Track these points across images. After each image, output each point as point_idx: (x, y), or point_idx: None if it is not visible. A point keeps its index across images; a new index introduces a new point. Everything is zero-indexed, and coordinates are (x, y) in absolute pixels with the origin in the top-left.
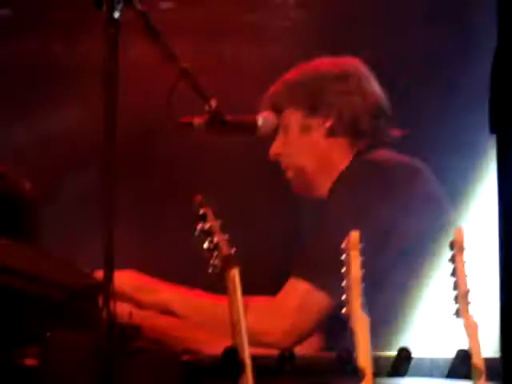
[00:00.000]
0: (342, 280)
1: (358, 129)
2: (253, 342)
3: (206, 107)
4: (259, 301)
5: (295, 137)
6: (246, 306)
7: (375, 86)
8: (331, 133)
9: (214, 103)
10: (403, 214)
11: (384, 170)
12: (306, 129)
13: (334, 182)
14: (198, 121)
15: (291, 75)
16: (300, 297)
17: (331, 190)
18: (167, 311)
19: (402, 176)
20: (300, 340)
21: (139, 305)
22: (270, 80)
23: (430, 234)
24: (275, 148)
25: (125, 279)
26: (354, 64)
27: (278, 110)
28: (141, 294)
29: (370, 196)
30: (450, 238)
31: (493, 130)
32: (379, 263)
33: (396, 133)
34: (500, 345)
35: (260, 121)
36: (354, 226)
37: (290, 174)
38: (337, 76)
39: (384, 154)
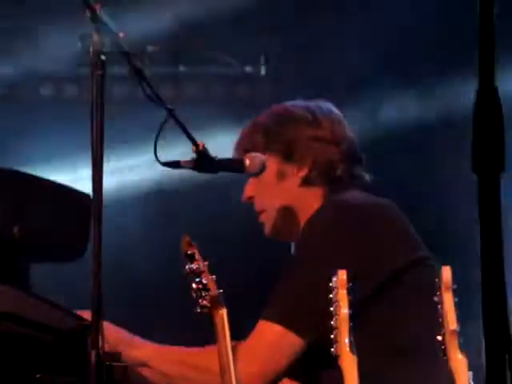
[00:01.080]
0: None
1: (333, 177)
2: None
3: (193, 148)
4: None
5: (270, 182)
6: (208, 350)
7: (348, 131)
8: (305, 181)
9: (200, 144)
10: (376, 251)
11: (355, 209)
12: (281, 175)
13: (304, 224)
14: (185, 161)
15: (264, 119)
16: (269, 340)
17: (301, 232)
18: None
19: (374, 214)
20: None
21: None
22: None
23: (403, 271)
24: (248, 191)
25: (110, 336)
26: (325, 108)
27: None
28: (120, 347)
29: (338, 235)
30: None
31: (474, 171)
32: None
33: (367, 177)
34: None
35: (247, 161)
36: (322, 266)
37: (262, 218)
38: (311, 122)
39: (354, 194)
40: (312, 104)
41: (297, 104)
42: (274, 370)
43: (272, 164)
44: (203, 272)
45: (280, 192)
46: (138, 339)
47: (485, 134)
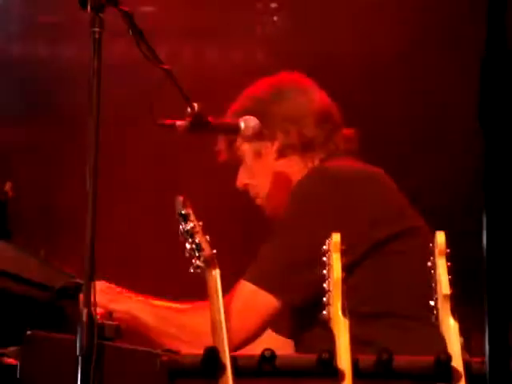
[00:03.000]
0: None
1: (306, 141)
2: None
3: (189, 109)
4: (207, 303)
5: (252, 165)
6: (194, 309)
7: (315, 94)
8: (281, 154)
9: (196, 106)
10: (360, 218)
11: (335, 175)
12: (257, 155)
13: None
14: (180, 123)
15: (237, 105)
16: (244, 298)
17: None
18: (137, 321)
19: (358, 182)
20: (248, 341)
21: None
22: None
23: (387, 242)
24: (240, 180)
25: (99, 291)
26: (289, 79)
27: (229, 144)
28: (113, 304)
29: (319, 201)
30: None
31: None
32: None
33: (346, 132)
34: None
35: (242, 124)
36: (301, 230)
37: (258, 202)
38: (274, 96)
39: (338, 162)
40: (275, 79)
41: (261, 82)
42: (250, 327)
43: (247, 147)
44: (197, 232)
45: (263, 171)
46: (125, 293)
47: (491, 92)
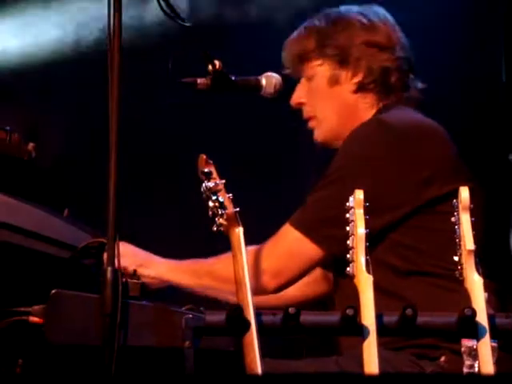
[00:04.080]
0: (345, 237)
1: (387, 84)
2: None
3: (210, 67)
4: (251, 247)
5: (323, 88)
6: (224, 258)
7: (402, 37)
8: (360, 88)
9: (217, 63)
10: (409, 174)
11: (395, 129)
12: (334, 81)
13: (347, 136)
14: (201, 80)
15: (317, 23)
16: (288, 243)
17: (342, 144)
18: (166, 283)
19: (414, 137)
20: (284, 286)
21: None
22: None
23: (436, 202)
24: (297, 97)
25: (125, 255)
26: (381, 13)
27: (303, 58)
28: (141, 269)
29: (374, 154)
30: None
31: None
32: (371, 224)
33: (419, 85)
34: None
35: (263, 80)
36: (352, 182)
37: (312, 124)
38: (366, 27)
39: (402, 113)
40: (367, 8)
41: (351, 8)
42: (289, 273)
43: (325, 69)
44: (220, 190)
45: (333, 97)
46: (153, 256)
47: None
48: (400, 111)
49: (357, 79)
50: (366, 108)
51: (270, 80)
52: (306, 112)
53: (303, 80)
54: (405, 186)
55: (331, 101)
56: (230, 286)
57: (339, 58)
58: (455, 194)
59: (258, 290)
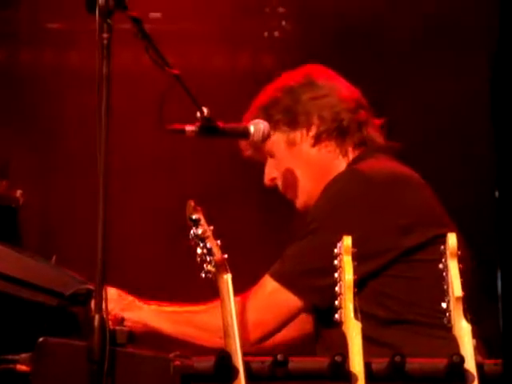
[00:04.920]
0: (326, 287)
1: (341, 126)
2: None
3: (198, 114)
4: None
5: (285, 155)
6: (209, 308)
7: (344, 81)
8: (317, 139)
9: (206, 110)
10: (388, 223)
11: (370, 178)
12: (292, 144)
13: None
14: (189, 128)
15: (262, 99)
16: (268, 295)
17: (319, 196)
18: (150, 329)
19: (391, 186)
20: (265, 337)
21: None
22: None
23: (417, 249)
24: (268, 175)
25: (110, 299)
26: (316, 68)
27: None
28: (125, 313)
29: (352, 202)
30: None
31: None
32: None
33: (376, 121)
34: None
35: (252, 128)
36: (331, 232)
37: (290, 195)
38: (305, 84)
39: (377, 163)
40: (304, 70)
41: (288, 74)
42: (268, 325)
43: (280, 137)
44: (208, 237)
45: (297, 160)
46: (138, 301)
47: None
48: (374, 160)
49: (312, 133)
50: (332, 159)
51: (258, 127)
52: (280, 186)
53: (268, 158)
54: (384, 234)
55: (297, 164)
56: (212, 336)
57: (288, 121)
58: (433, 242)
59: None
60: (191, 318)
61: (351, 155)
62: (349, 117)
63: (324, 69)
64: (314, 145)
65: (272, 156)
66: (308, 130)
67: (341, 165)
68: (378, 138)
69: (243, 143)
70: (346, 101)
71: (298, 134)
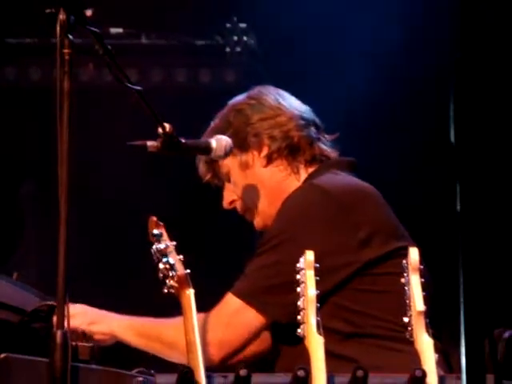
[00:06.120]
0: (288, 303)
1: (292, 144)
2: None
3: (160, 130)
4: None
5: (239, 178)
6: (176, 324)
7: (293, 99)
8: (269, 159)
9: (168, 126)
10: (347, 236)
11: (328, 192)
12: (245, 167)
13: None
14: (151, 143)
15: (216, 123)
16: (231, 313)
17: (277, 212)
18: (118, 340)
19: (348, 201)
20: (230, 356)
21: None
22: (223, 104)
23: (376, 263)
24: (226, 199)
25: (75, 315)
26: (265, 89)
27: (213, 162)
28: (93, 326)
29: (311, 216)
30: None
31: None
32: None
33: (328, 137)
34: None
35: (214, 143)
36: (291, 247)
37: (248, 216)
38: (254, 105)
39: (334, 177)
40: (252, 91)
41: (237, 97)
42: (232, 343)
43: (233, 161)
44: (171, 252)
45: (251, 182)
46: (103, 313)
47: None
48: (332, 175)
49: (263, 153)
50: (284, 178)
51: (220, 142)
52: (239, 208)
53: (225, 183)
54: (344, 247)
55: (252, 186)
56: (177, 352)
57: (239, 144)
58: (394, 255)
59: (204, 362)
60: (160, 333)
61: (303, 172)
62: (299, 134)
63: (273, 88)
64: (266, 165)
65: (228, 180)
66: (259, 151)
67: (292, 183)
68: (331, 153)
69: (202, 169)
70: (295, 119)
71: (250, 156)
